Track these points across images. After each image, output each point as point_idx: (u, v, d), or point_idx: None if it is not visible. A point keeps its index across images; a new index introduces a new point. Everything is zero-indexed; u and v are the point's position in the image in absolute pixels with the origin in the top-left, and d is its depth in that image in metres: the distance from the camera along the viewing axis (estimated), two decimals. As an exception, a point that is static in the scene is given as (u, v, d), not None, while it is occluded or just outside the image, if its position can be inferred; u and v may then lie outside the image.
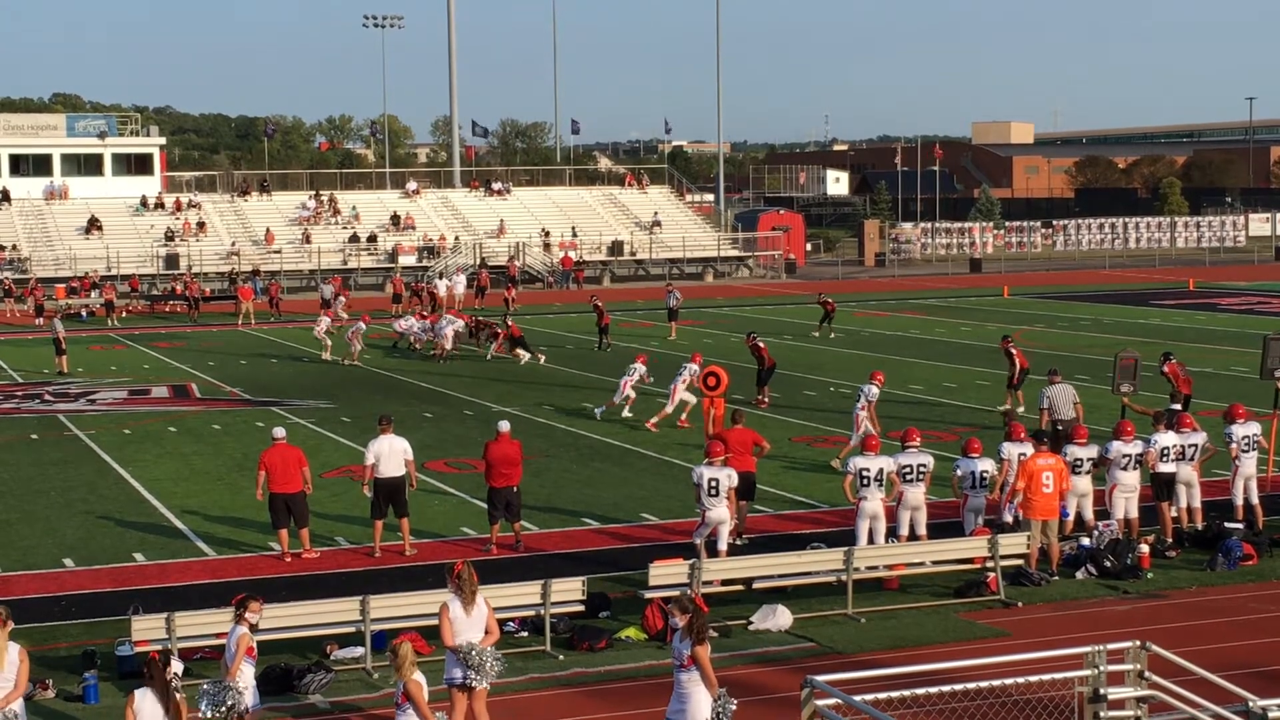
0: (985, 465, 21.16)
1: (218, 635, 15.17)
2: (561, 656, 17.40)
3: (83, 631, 18.70)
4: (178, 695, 12.69)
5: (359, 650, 17.26)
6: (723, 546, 20.48)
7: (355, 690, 16.42)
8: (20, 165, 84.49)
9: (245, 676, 13.60)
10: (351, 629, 17.19)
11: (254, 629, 13.98)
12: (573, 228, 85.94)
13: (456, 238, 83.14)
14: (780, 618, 18.46)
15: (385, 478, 22.21)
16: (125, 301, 67.03)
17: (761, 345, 36.87)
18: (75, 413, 37.03)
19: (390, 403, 36.85)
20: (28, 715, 14.19)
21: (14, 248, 75.91)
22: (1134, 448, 21.91)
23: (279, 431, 22.89)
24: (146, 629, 16.49)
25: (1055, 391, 27.29)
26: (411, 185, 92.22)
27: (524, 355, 45.45)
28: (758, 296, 73.09)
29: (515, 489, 22.34)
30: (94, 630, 18.66)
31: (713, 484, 20.22)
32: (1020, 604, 19.34)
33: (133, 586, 20.76)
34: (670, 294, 52.86)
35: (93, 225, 79.20)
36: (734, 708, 12.91)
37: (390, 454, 22.26)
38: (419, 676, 12.86)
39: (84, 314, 64.64)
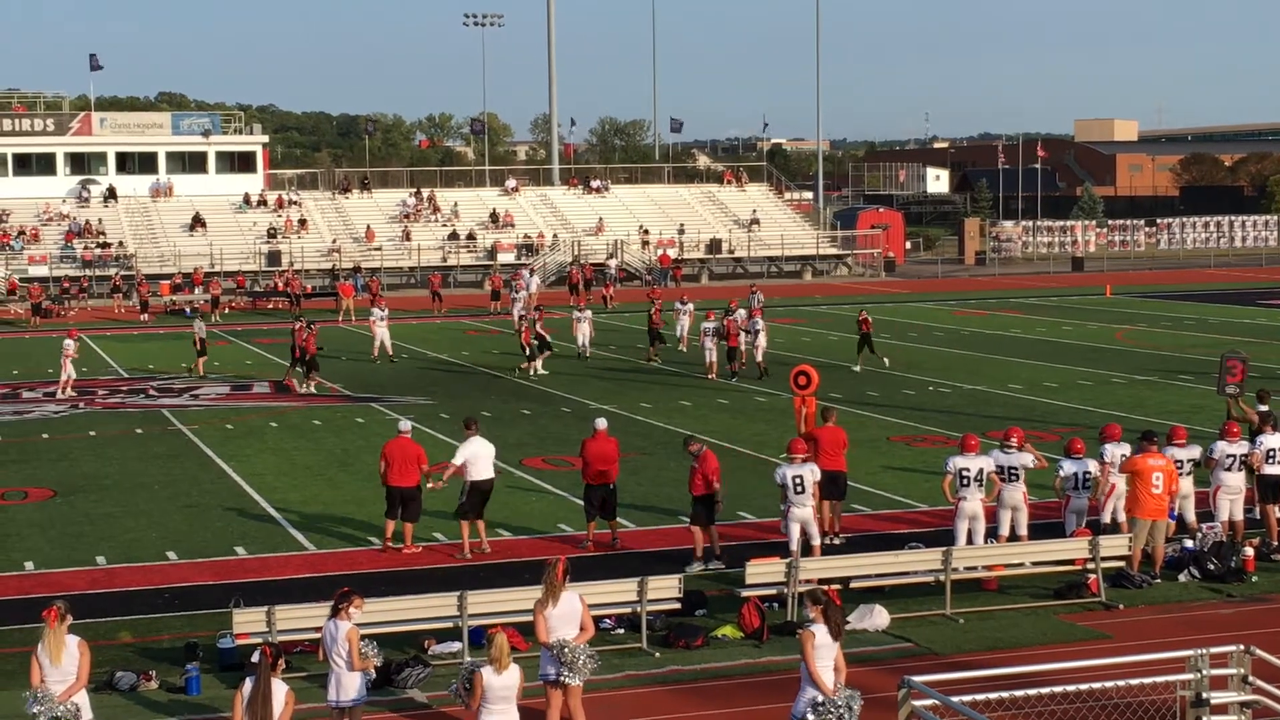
0: (1089, 466, 20.94)
1: (316, 629, 15.29)
2: (658, 654, 17.40)
3: (185, 623, 18.93)
4: (286, 687, 12.72)
5: (456, 645, 17.36)
6: (815, 544, 20.42)
7: (453, 685, 16.47)
8: (126, 163, 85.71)
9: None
10: (449, 624, 17.30)
11: None
12: (680, 226, 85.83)
13: (555, 235, 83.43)
14: (878, 618, 18.36)
15: (481, 480, 22.28)
16: (229, 298, 67.89)
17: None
18: (179, 408, 37.52)
19: (488, 400, 37.01)
20: (100, 706, 14.32)
21: (120, 244, 77.06)
22: (1239, 449, 21.58)
23: (404, 425, 23.24)
24: (248, 621, 16.68)
25: None
26: (510, 183, 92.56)
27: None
28: (856, 295, 72.69)
29: (612, 486, 22.36)
30: (196, 622, 18.89)
31: (797, 481, 20.18)
32: (1122, 606, 19.12)
33: (234, 579, 21.00)
34: (754, 294, 52.07)
35: (197, 222, 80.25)
36: (833, 715, 12.69)
37: (484, 457, 22.32)
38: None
39: (188, 310, 65.54)
